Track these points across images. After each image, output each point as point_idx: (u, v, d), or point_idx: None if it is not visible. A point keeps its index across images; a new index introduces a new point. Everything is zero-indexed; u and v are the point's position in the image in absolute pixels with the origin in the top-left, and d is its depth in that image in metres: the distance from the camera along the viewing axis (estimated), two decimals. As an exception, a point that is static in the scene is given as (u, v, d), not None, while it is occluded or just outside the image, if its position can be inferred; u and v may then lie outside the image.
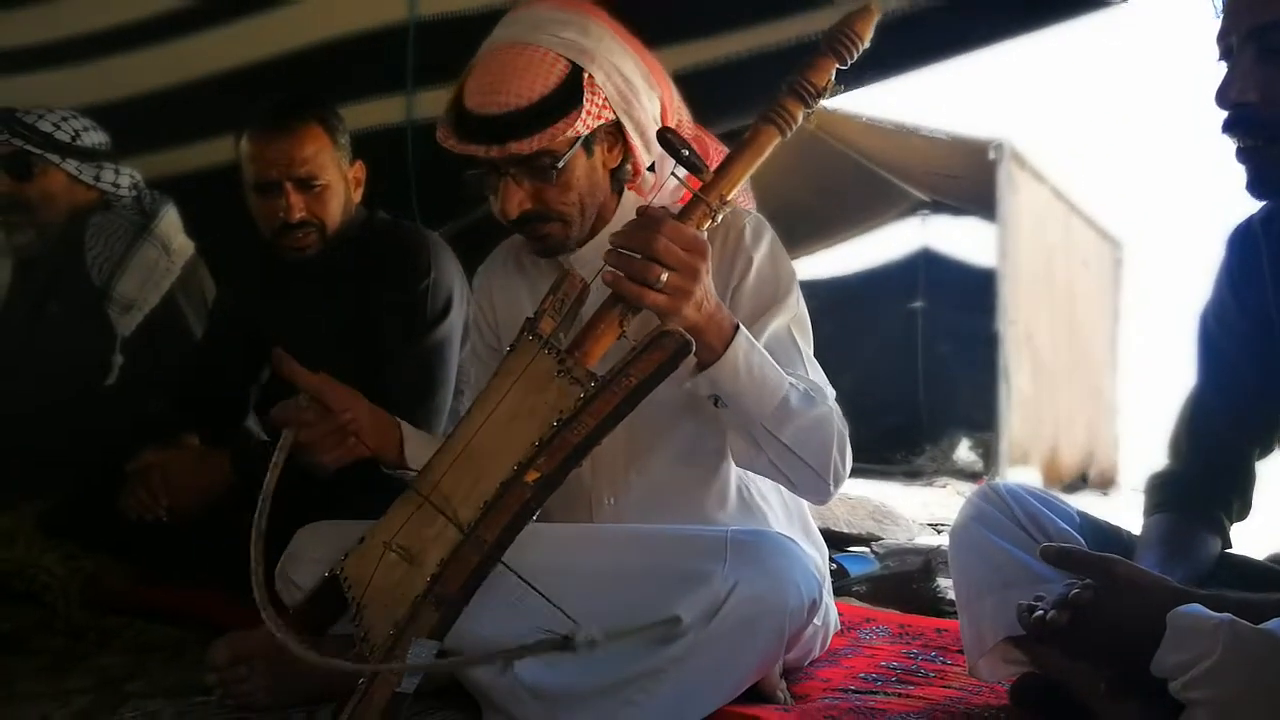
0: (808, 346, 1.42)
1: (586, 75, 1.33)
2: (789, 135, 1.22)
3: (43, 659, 1.57)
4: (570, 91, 1.32)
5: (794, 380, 1.30)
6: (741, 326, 1.26)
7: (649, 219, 1.17)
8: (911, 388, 7.82)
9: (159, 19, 2.97)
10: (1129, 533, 1.46)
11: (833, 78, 1.22)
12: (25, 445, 2.15)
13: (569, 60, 1.33)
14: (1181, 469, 1.43)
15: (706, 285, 1.20)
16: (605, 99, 1.36)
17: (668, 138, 1.22)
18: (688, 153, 1.20)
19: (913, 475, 6.58)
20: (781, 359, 1.32)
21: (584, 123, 1.33)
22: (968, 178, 6.27)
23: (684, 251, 1.15)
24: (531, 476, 1.15)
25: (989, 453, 6.50)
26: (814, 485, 1.34)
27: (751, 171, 1.22)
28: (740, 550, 1.26)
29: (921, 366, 7.88)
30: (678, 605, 1.22)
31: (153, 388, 2.18)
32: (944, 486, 6.10)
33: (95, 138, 2.30)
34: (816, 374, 1.40)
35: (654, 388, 1.12)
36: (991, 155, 5.88)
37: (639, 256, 1.14)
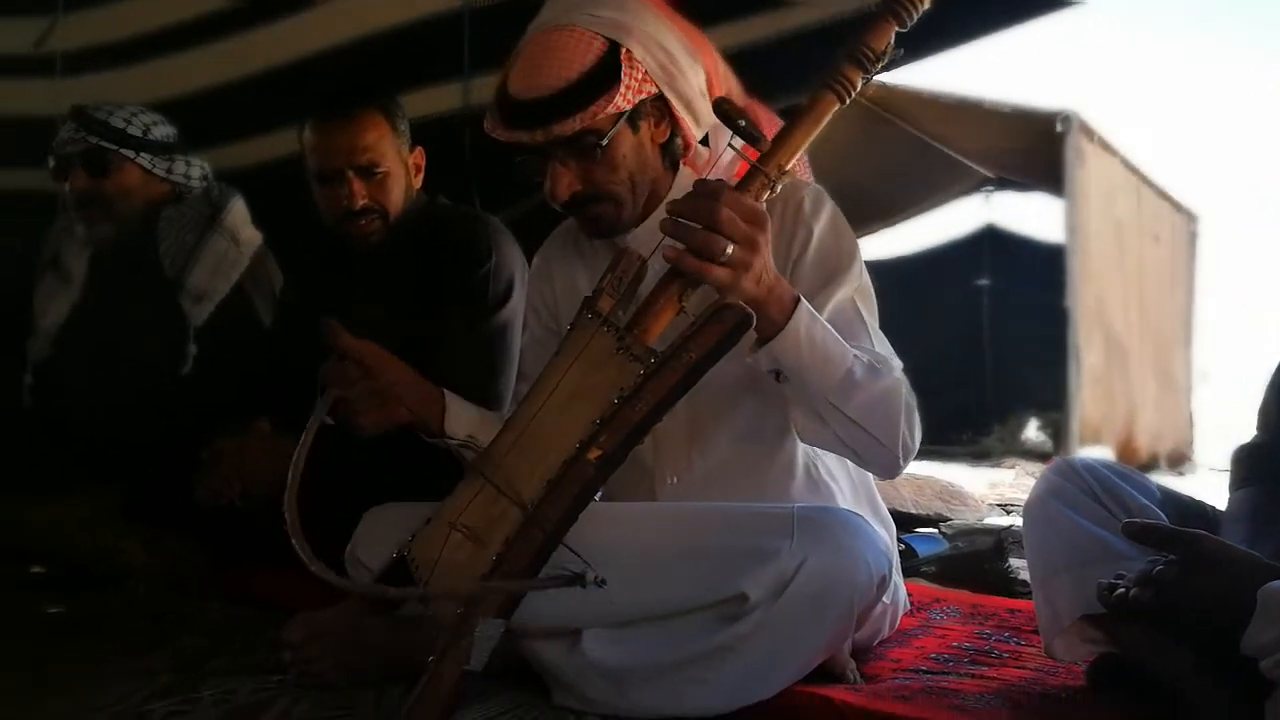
0: (873, 318, 1.39)
1: (624, 50, 1.32)
2: (848, 102, 1.19)
3: (125, 641, 1.61)
4: (608, 68, 1.31)
5: (858, 352, 1.28)
6: (802, 299, 1.23)
7: (708, 189, 1.15)
8: (978, 367, 7.68)
9: (217, 16, 3.05)
10: (1213, 508, 1.41)
11: (892, 42, 1.18)
12: (105, 434, 2.22)
13: (606, 37, 1.33)
14: (1270, 441, 1.38)
15: (765, 258, 1.17)
16: (645, 73, 1.34)
17: (724, 108, 1.20)
18: (744, 123, 1.18)
19: (980, 456, 6.47)
20: (845, 331, 1.30)
21: (624, 98, 1.32)
22: (1033, 151, 6.11)
23: (745, 223, 1.13)
24: (593, 454, 1.15)
25: (1059, 432, 6.35)
26: (882, 459, 1.31)
27: (811, 140, 1.20)
28: (808, 526, 1.24)
29: (988, 345, 7.74)
30: (745, 582, 1.21)
31: (224, 376, 2.23)
32: (1012, 467, 5.97)
33: (165, 131, 2.35)
34: (882, 345, 1.37)
35: (715, 362, 1.11)
36: (1059, 127, 5.71)
37: (699, 228, 1.13)
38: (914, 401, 1.33)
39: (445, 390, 1.49)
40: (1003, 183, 7.43)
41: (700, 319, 1.11)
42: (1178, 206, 7.09)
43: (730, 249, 1.13)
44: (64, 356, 2.36)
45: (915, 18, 1.18)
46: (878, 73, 1.18)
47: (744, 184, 1.19)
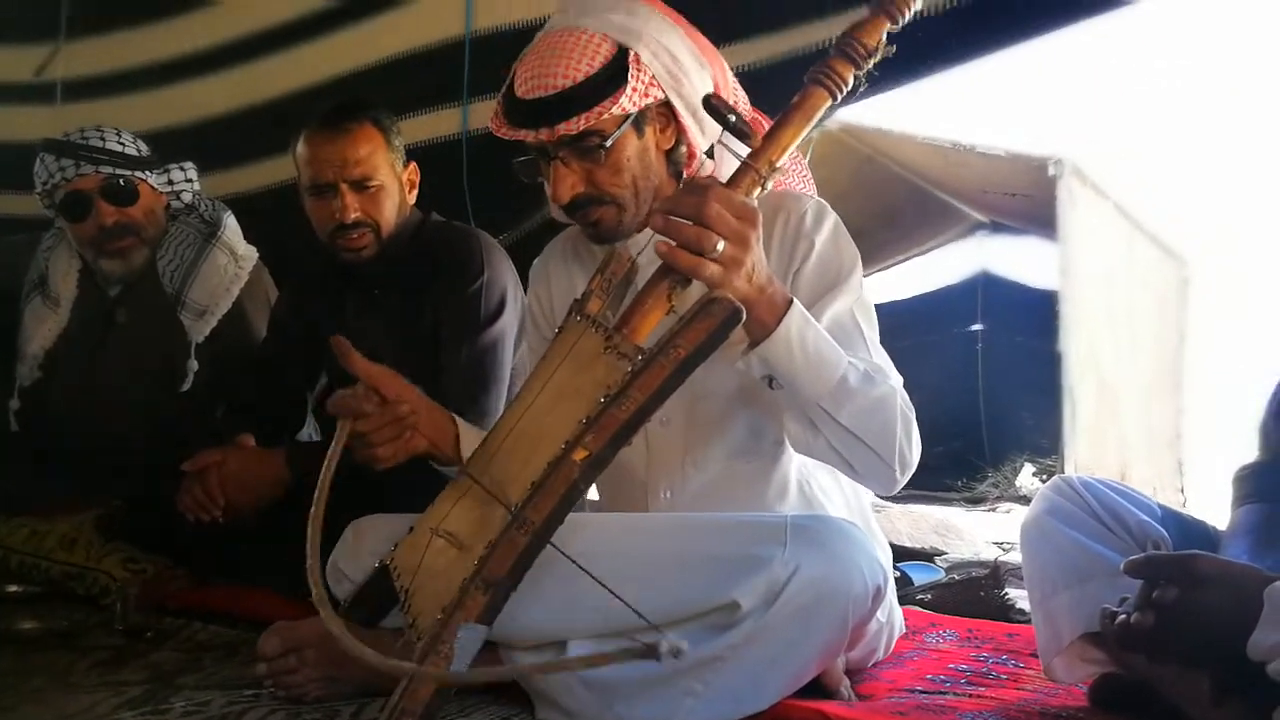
0: (871, 330, 1.37)
1: (632, 54, 1.32)
2: (839, 99, 1.18)
3: (100, 655, 1.57)
4: (615, 70, 1.31)
5: (854, 360, 1.26)
6: (796, 301, 1.22)
7: (697, 185, 1.14)
8: (972, 412, 7.65)
9: (218, 48, 3.07)
10: (1214, 527, 1.39)
11: (884, 39, 1.18)
12: (98, 456, 2.18)
13: (615, 40, 1.32)
14: (1271, 459, 1.36)
15: (757, 256, 1.16)
16: (652, 77, 1.34)
17: (713, 104, 1.19)
18: (734, 119, 1.17)
19: (975, 501, 6.41)
20: (843, 342, 1.28)
21: (630, 100, 1.31)
22: (1027, 195, 6.15)
23: (735, 219, 1.12)
24: (579, 455, 1.12)
25: (1053, 478, 6.31)
26: (878, 470, 1.28)
27: (802, 137, 1.19)
28: (801, 534, 1.21)
29: (982, 390, 7.72)
30: (736, 590, 1.18)
31: (219, 392, 2.20)
32: (1008, 512, 5.93)
33: (142, 145, 2.31)
34: (881, 357, 1.35)
35: (704, 358, 1.08)
36: (1051, 171, 5.75)
37: (690, 224, 1.11)
38: (912, 414, 1.30)
39: (452, 414, 1.46)
40: (997, 227, 7.47)
41: (689, 313, 1.09)
42: (1168, 251, 7.12)
43: (721, 245, 1.11)
44: (60, 380, 2.30)
45: (907, 16, 1.18)
46: (868, 70, 1.18)
47: (735, 181, 1.18)
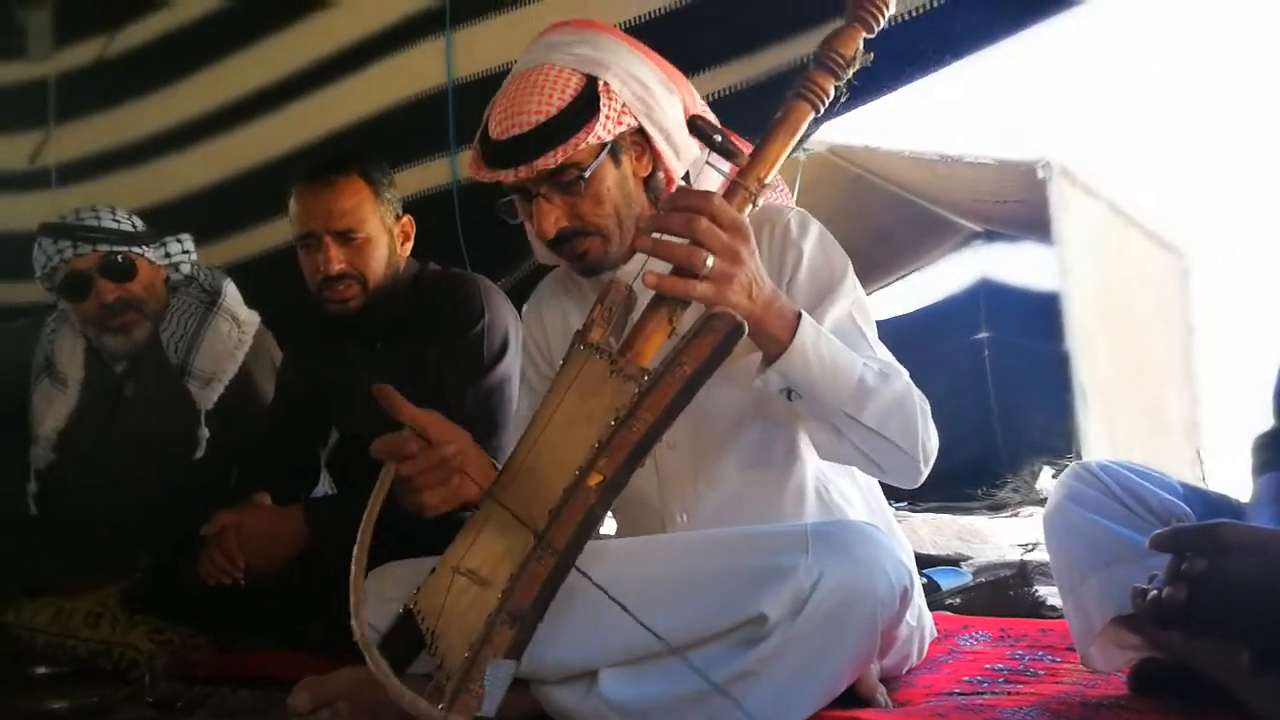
0: (871, 330, 1.38)
1: (601, 83, 1.34)
2: (822, 111, 1.20)
3: (130, 729, 1.56)
4: (587, 101, 1.33)
5: (866, 361, 1.26)
6: (804, 313, 1.22)
7: (686, 196, 1.14)
8: (985, 419, 7.61)
9: (206, 117, 3.12)
10: (1237, 500, 1.38)
11: (860, 47, 1.20)
12: (119, 531, 2.20)
13: (583, 73, 1.35)
14: (1289, 426, 1.35)
15: (753, 271, 1.16)
16: (624, 104, 1.36)
17: (698, 124, 1.21)
18: (720, 138, 1.19)
19: (996, 508, 6.36)
20: (847, 345, 1.29)
21: (604, 128, 1.33)
22: (1019, 201, 6.18)
23: (725, 232, 1.12)
24: (594, 480, 1.11)
25: (1071, 464, 6.25)
26: (903, 465, 1.29)
27: (788, 151, 1.20)
28: (823, 540, 1.20)
29: (993, 397, 7.69)
30: (762, 602, 1.17)
31: (231, 458, 2.20)
32: (1030, 516, 5.88)
33: (137, 220, 2.34)
34: (885, 354, 1.36)
35: (710, 374, 1.08)
36: (1040, 175, 5.79)
37: (679, 244, 1.12)
38: (926, 405, 1.32)
39: (492, 459, 1.41)
40: (991, 235, 7.50)
41: (691, 332, 1.09)
42: (1166, 245, 7.13)
43: (711, 261, 1.12)
44: (74, 459, 2.31)
45: (881, 23, 1.19)
46: (848, 79, 1.19)
47: (725, 200, 1.18)
